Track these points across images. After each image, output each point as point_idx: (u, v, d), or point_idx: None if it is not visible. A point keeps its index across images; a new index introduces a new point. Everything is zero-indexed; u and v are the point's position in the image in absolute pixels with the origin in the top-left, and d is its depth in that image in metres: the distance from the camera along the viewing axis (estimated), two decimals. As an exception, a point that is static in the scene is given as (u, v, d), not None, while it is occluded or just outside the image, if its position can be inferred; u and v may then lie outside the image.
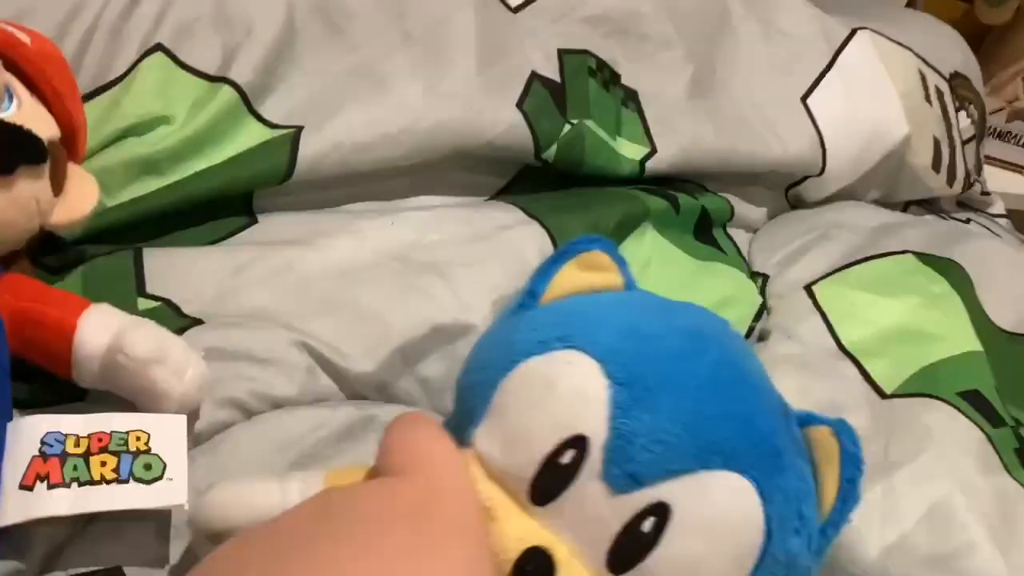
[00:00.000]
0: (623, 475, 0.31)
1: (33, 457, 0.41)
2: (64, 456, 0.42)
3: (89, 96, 0.60)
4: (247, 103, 0.63)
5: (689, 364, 0.34)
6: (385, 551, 0.26)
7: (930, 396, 0.61)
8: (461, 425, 0.35)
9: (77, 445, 0.42)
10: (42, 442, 0.42)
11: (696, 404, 0.33)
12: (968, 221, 0.92)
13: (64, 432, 0.42)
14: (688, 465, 0.31)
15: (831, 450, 0.34)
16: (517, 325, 0.37)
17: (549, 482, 0.32)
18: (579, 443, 0.32)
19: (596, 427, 0.32)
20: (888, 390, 0.62)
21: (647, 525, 0.31)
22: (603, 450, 0.32)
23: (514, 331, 0.36)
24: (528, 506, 0.32)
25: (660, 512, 0.31)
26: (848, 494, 0.33)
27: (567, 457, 0.32)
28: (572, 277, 0.39)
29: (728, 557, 0.32)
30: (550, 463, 0.32)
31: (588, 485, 0.32)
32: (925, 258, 0.73)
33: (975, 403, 0.61)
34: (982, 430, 0.59)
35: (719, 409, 0.33)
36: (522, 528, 0.32)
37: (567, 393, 0.33)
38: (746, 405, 0.34)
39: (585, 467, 0.32)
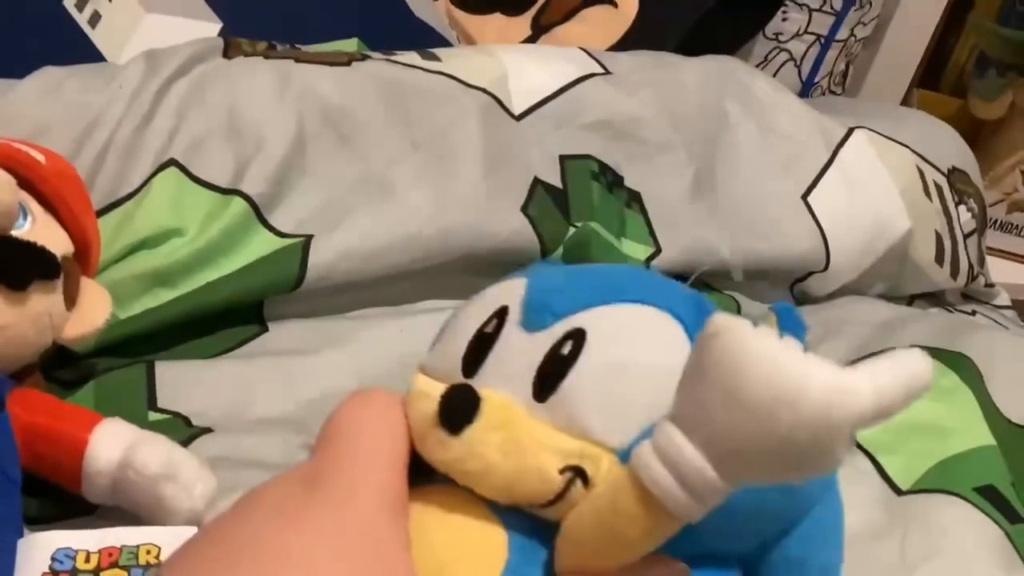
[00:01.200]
0: (538, 315, 0.33)
1: (43, 574, 0.41)
2: (75, 572, 0.41)
3: (103, 211, 0.61)
4: (258, 214, 0.64)
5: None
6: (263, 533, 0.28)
7: (946, 492, 0.60)
8: None
9: (88, 561, 0.42)
10: (52, 559, 0.42)
11: (611, 275, 0.35)
12: (974, 313, 0.92)
13: (75, 548, 0.42)
14: (601, 299, 0.33)
15: (769, 320, 0.33)
16: None
17: (477, 351, 0.33)
18: (501, 312, 0.34)
19: (516, 297, 0.34)
20: (904, 487, 0.61)
21: (566, 348, 0.32)
22: (521, 304, 0.33)
23: None
24: (460, 381, 0.33)
25: (576, 335, 0.32)
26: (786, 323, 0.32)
27: (491, 326, 0.33)
28: None
29: (653, 365, 0.31)
30: (477, 336, 0.33)
31: (510, 336, 0.33)
32: (933, 352, 0.73)
33: (991, 499, 0.60)
34: (1000, 527, 0.58)
35: (634, 279, 0.35)
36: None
37: (492, 291, 0.36)
38: (663, 282, 0.36)
39: (506, 325, 0.33)
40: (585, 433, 0.30)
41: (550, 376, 0.31)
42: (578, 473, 0.30)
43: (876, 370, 0.24)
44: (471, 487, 0.31)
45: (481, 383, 0.32)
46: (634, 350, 0.32)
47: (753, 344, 0.24)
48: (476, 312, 0.34)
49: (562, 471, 0.30)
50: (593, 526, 0.28)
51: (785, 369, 0.23)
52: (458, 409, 0.31)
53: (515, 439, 0.30)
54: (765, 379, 0.23)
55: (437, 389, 0.32)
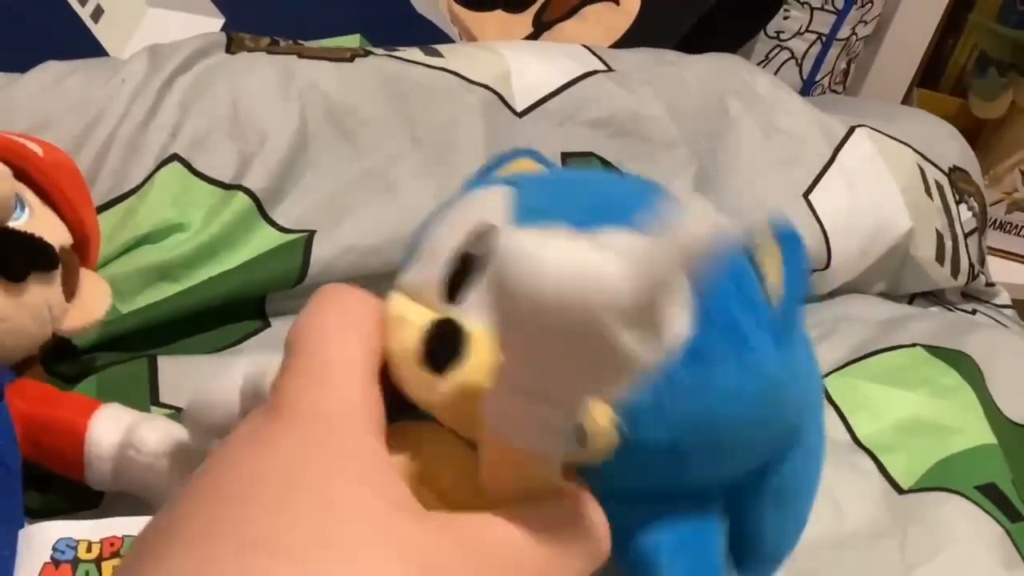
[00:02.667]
0: None
1: (45, 564, 0.41)
2: (76, 562, 0.41)
3: (106, 206, 0.61)
4: (261, 209, 0.64)
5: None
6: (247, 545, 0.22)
7: (947, 490, 0.60)
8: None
9: (89, 551, 0.42)
10: (54, 548, 0.42)
11: (605, 188, 0.32)
12: (974, 312, 0.92)
13: (76, 538, 0.42)
14: (599, 221, 0.27)
15: (770, 246, 0.31)
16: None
17: (463, 273, 0.29)
18: (486, 232, 0.30)
19: (501, 215, 0.30)
20: (906, 485, 0.61)
21: None
22: (508, 224, 0.30)
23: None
24: (443, 306, 0.29)
25: None
26: (792, 263, 0.30)
27: (476, 247, 0.30)
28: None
29: None
30: (461, 257, 0.30)
31: None
32: (934, 350, 0.73)
33: (993, 497, 0.60)
34: (1001, 525, 0.58)
35: (633, 194, 0.32)
36: (431, 316, 0.29)
37: (471, 200, 0.32)
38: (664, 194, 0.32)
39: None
40: None
41: None
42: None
43: (631, 242, 0.21)
44: (450, 426, 0.28)
45: (466, 313, 0.28)
46: None
47: (508, 252, 0.21)
48: (455, 226, 0.31)
49: None
50: (488, 462, 0.27)
51: (531, 268, 0.21)
52: (443, 348, 0.27)
53: None
54: (517, 284, 0.21)
55: (418, 315, 0.29)
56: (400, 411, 0.29)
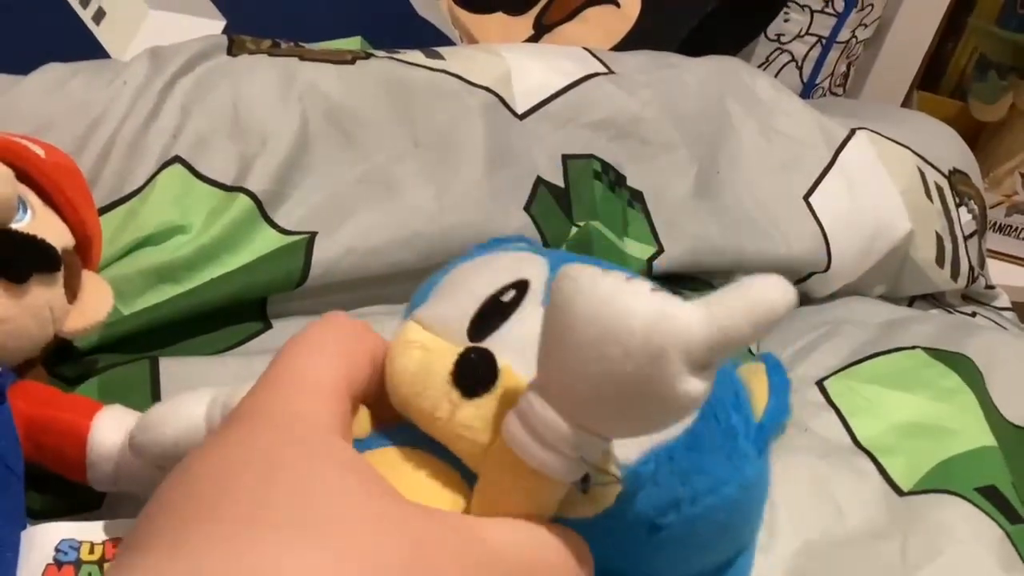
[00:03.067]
0: None
1: (47, 565, 0.41)
2: (79, 564, 0.41)
3: (107, 208, 0.61)
4: (262, 211, 0.64)
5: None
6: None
7: (947, 492, 0.60)
8: None
9: (92, 552, 0.42)
10: (56, 549, 0.42)
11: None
12: (974, 315, 0.92)
13: (79, 539, 0.42)
14: None
15: (756, 367, 0.32)
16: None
17: (489, 316, 0.30)
18: (521, 285, 0.31)
19: (538, 274, 0.31)
20: (906, 488, 0.62)
21: None
22: (547, 284, 0.31)
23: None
24: (463, 342, 0.30)
25: None
26: (779, 392, 0.31)
27: (508, 295, 0.31)
28: None
29: None
30: (491, 301, 0.31)
31: (532, 313, 0.30)
32: (935, 353, 0.73)
33: (993, 499, 0.60)
34: (1001, 527, 0.58)
35: None
36: (453, 347, 0.30)
37: (509, 257, 0.33)
38: None
39: (527, 299, 0.31)
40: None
41: None
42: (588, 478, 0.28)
43: (713, 297, 0.23)
44: (460, 453, 0.28)
45: (492, 347, 0.29)
46: None
47: (584, 284, 0.23)
48: (486, 278, 0.32)
49: None
50: (487, 485, 0.27)
51: (610, 304, 0.23)
52: (478, 373, 0.28)
53: None
54: (591, 316, 0.23)
55: (435, 344, 0.29)
56: (385, 435, 0.30)
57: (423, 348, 0.29)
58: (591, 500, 0.28)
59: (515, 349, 0.29)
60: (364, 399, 0.30)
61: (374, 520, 0.23)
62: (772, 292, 0.23)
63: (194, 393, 0.41)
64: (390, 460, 0.29)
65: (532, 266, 0.32)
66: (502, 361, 0.28)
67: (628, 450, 0.28)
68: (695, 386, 0.23)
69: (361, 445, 0.29)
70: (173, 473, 0.24)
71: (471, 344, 0.29)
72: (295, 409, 0.26)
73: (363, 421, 0.32)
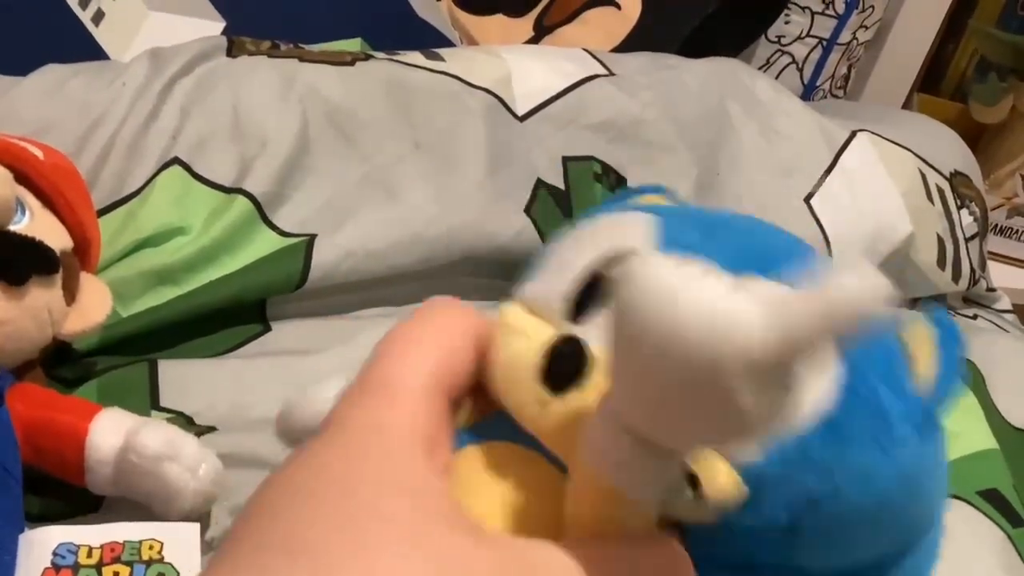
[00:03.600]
0: None
1: (45, 569, 0.41)
2: (76, 567, 0.41)
3: (107, 209, 0.61)
4: (261, 213, 0.64)
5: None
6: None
7: (950, 495, 0.60)
8: None
9: (89, 556, 0.42)
10: (54, 553, 0.42)
11: (757, 236, 0.29)
12: (975, 317, 0.92)
13: (76, 543, 0.42)
14: (747, 267, 0.25)
15: (923, 332, 0.29)
16: None
17: (590, 294, 0.28)
18: (627, 256, 0.28)
19: (643, 241, 0.28)
20: (906, 489, 0.61)
21: None
22: (654, 249, 0.28)
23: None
24: (564, 324, 0.28)
25: None
26: (947, 363, 0.28)
27: (613, 271, 0.28)
28: None
29: None
30: (591, 276, 0.28)
31: None
32: (936, 355, 0.73)
33: (994, 502, 0.60)
34: (1002, 530, 0.58)
35: (785, 247, 0.29)
36: (551, 332, 0.27)
37: (605, 222, 0.30)
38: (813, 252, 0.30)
39: None
40: None
41: None
42: (689, 481, 0.25)
43: (777, 292, 0.19)
44: (554, 451, 0.26)
45: (588, 333, 0.26)
46: None
47: (646, 284, 0.20)
48: (590, 245, 0.29)
49: None
50: (572, 492, 0.25)
51: (670, 306, 0.20)
52: (566, 366, 0.25)
53: None
54: (650, 321, 0.20)
55: (536, 329, 0.27)
56: (493, 425, 0.28)
57: (519, 333, 0.27)
58: (705, 506, 0.25)
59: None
60: (473, 387, 0.27)
61: (409, 547, 0.21)
62: (854, 283, 0.19)
63: (328, 380, 0.40)
64: (484, 457, 0.27)
65: (636, 231, 0.29)
66: (596, 348, 0.26)
67: (747, 450, 0.25)
68: (764, 400, 0.20)
69: (458, 439, 0.27)
70: (263, 482, 0.24)
71: (564, 333, 0.26)
72: (373, 417, 0.25)
73: (464, 411, 0.29)
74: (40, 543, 0.42)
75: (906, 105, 1.35)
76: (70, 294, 0.52)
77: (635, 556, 0.24)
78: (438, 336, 0.26)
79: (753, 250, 0.28)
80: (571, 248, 0.29)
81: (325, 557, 0.21)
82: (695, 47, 0.99)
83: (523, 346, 0.27)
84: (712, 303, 0.19)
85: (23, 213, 0.51)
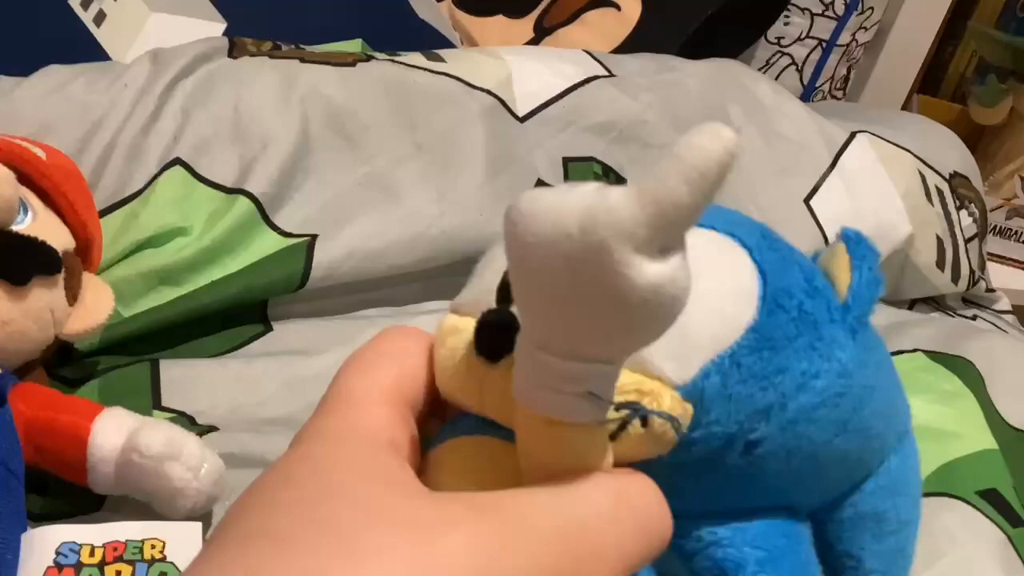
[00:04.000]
0: None
1: (48, 568, 0.41)
2: (79, 566, 0.41)
3: (108, 210, 0.61)
4: (263, 213, 0.64)
5: None
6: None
7: (949, 496, 0.60)
8: None
9: (92, 555, 0.42)
10: (57, 552, 0.42)
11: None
12: (975, 318, 0.92)
13: (79, 542, 0.42)
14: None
15: (835, 248, 0.30)
16: None
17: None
18: None
19: None
20: (906, 490, 0.61)
21: None
22: None
23: None
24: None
25: None
26: (861, 265, 0.29)
27: None
28: None
29: (716, 293, 0.27)
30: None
31: None
32: (936, 356, 0.73)
33: (994, 502, 0.60)
34: (1002, 530, 0.58)
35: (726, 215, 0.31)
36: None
37: None
38: (723, 208, 0.31)
39: None
40: (643, 367, 0.26)
41: None
42: (635, 410, 0.25)
43: (645, 174, 0.20)
44: (506, 424, 0.26)
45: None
46: (696, 278, 0.26)
47: (525, 207, 0.21)
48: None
49: (617, 408, 0.25)
50: (522, 450, 0.25)
51: (547, 215, 0.20)
52: (497, 334, 0.26)
53: None
54: (535, 237, 0.20)
55: (468, 324, 0.27)
56: (460, 424, 0.28)
57: (454, 332, 0.28)
58: (654, 437, 0.25)
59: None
60: (430, 404, 0.28)
61: (388, 523, 0.22)
62: (700, 140, 0.20)
63: None
64: (451, 454, 0.28)
65: None
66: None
67: (682, 370, 0.26)
68: (655, 270, 0.20)
69: (427, 444, 0.28)
70: (245, 490, 0.25)
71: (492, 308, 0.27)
72: (343, 425, 0.26)
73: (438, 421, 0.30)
74: (43, 542, 0.42)
75: (906, 106, 1.35)
76: (72, 294, 0.52)
77: (602, 485, 0.24)
78: (392, 355, 0.28)
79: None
80: (493, 253, 0.30)
81: (306, 540, 0.21)
82: (695, 48, 1.00)
83: (458, 339, 0.27)
84: (583, 197, 0.20)
85: (25, 213, 0.52)
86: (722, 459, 0.27)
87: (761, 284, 0.27)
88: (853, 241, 0.30)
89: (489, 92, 0.74)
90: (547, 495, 0.24)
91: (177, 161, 0.64)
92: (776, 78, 1.21)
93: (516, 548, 0.22)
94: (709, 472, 0.27)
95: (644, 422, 0.25)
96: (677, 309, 0.21)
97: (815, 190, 0.83)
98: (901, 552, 0.32)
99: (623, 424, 0.25)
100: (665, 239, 0.20)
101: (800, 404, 0.27)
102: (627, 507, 0.25)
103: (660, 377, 0.26)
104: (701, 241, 0.27)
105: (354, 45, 0.82)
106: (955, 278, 0.90)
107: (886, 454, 0.31)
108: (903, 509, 0.32)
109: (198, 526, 0.45)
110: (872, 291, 0.29)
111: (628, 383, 0.26)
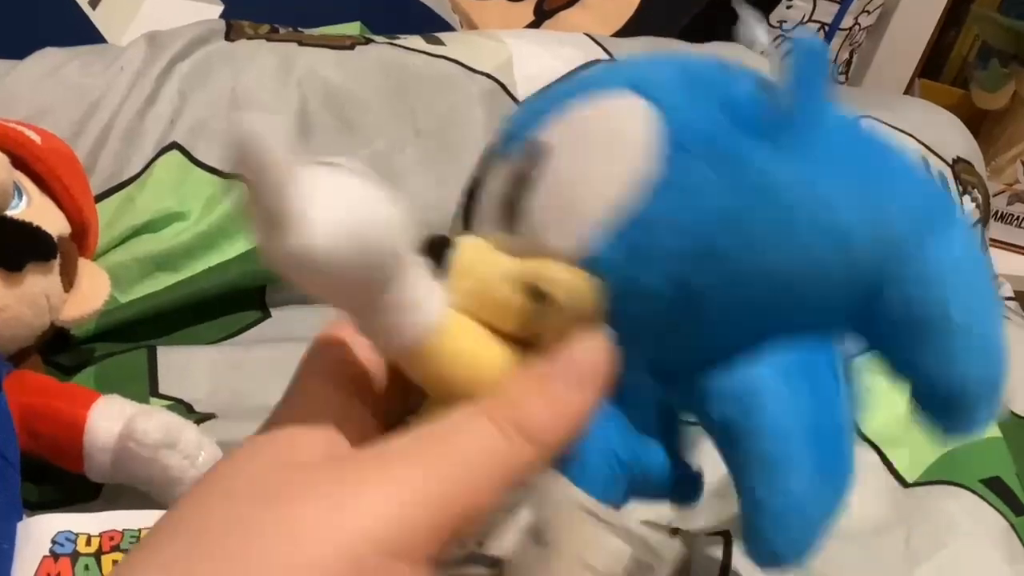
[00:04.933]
0: (509, 142, 0.30)
1: (44, 557, 0.41)
2: (75, 556, 0.41)
3: (104, 194, 0.61)
4: (260, 198, 0.64)
5: None
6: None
7: (952, 484, 0.60)
8: None
9: (88, 544, 0.42)
10: (53, 541, 0.41)
11: (582, 75, 0.30)
12: (977, 305, 0.91)
13: (75, 531, 0.42)
14: (560, 105, 0.29)
15: (776, 54, 0.29)
16: None
17: (470, 200, 0.31)
18: (489, 154, 0.31)
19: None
20: (910, 479, 0.61)
21: (526, 168, 0.28)
22: (499, 138, 0.31)
23: None
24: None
25: (534, 152, 0.28)
26: (801, 68, 0.27)
27: (479, 170, 0.31)
28: None
29: (607, 165, 0.27)
30: (470, 185, 0.31)
31: (493, 175, 0.30)
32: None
33: (998, 490, 0.60)
34: (1006, 518, 0.58)
35: (606, 68, 0.31)
36: None
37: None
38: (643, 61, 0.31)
39: (492, 165, 0.31)
40: (544, 250, 0.27)
41: (512, 202, 0.28)
42: (536, 294, 0.26)
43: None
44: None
45: (473, 230, 0.30)
46: (587, 157, 0.27)
47: None
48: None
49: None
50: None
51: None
52: (434, 248, 0.28)
53: (481, 279, 0.28)
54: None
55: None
56: None
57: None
58: (571, 310, 0.26)
59: (482, 217, 0.30)
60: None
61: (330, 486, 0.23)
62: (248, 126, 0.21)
63: None
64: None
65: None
66: (467, 236, 0.29)
67: (574, 241, 0.27)
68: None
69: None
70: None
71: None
72: (280, 416, 0.28)
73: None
74: (38, 531, 0.42)
75: (908, 91, 1.34)
76: (68, 280, 0.52)
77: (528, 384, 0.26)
78: (315, 354, 0.29)
79: (571, 86, 0.29)
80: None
81: (248, 504, 0.23)
82: (696, 32, 0.99)
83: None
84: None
85: (20, 198, 0.51)
86: (675, 310, 0.26)
87: (660, 132, 0.27)
88: (796, 44, 0.27)
89: (489, 75, 0.74)
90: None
91: (174, 145, 0.63)
92: (778, 62, 1.20)
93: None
94: (672, 330, 0.27)
95: (547, 301, 0.26)
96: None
97: (818, 175, 0.83)
98: (978, 352, 0.28)
99: (535, 313, 0.27)
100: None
101: (735, 243, 0.25)
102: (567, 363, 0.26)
103: (557, 254, 0.27)
104: (603, 113, 0.28)
105: (353, 28, 0.82)
106: (957, 264, 0.89)
107: (913, 237, 0.27)
108: (964, 303, 0.27)
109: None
110: (815, 85, 0.27)
111: (527, 270, 0.27)
